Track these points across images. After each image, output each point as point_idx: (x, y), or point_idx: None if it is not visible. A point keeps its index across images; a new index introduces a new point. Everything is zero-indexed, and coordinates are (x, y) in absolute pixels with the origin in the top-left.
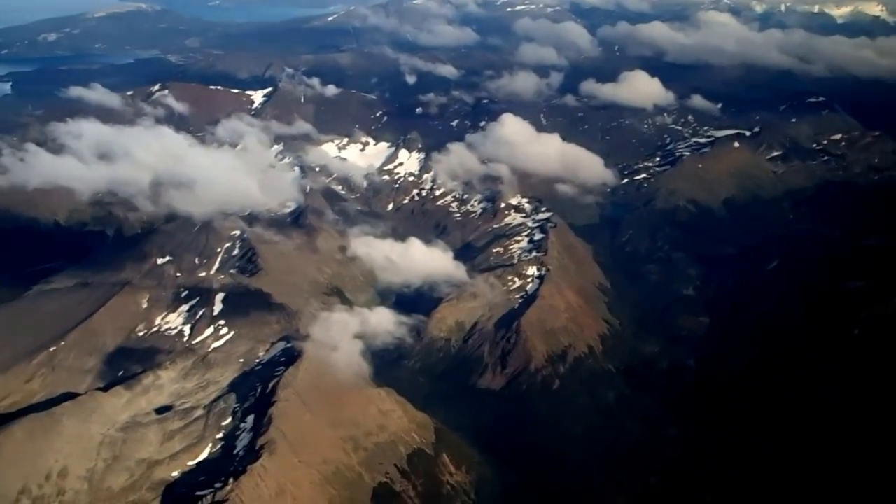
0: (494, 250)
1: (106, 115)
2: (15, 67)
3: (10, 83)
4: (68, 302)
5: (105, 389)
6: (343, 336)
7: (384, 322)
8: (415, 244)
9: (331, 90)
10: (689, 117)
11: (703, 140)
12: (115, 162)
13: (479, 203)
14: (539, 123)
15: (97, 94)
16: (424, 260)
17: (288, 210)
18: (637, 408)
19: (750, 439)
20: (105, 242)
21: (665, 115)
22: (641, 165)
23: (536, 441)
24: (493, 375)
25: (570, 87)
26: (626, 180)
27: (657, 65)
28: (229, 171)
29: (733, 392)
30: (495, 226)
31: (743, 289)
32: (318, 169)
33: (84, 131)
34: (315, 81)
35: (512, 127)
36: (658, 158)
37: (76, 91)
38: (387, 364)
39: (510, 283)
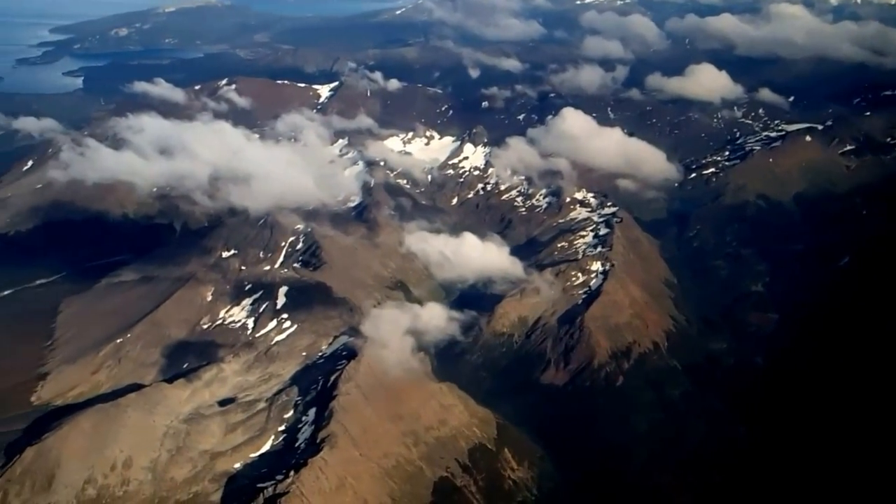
0: (559, 245)
1: (170, 110)
2: (87, 62)
3: (82, 78)
4: (135, 294)
5: (169, 381)
6: (394, 332)
7: (435, 318)
8: (469, 239)
9: (393, 84)
10: (760, 111)
11: (773, 134)
12: (174, 157)
13: (543, 197)
14: (606, 117)
15: (161, 89)
16: (479, 256)
17: (352, 204)
18: (702, 406)
19: (818, 440)
20: (172, 236)
21: (735, 109)
22: (710, 160)
23: (600, 438)
24: (555, 371)
25: (635, 81)
26: (693, 175)
27: (726, 58)
28: (286, 165)
29: (802, 391)
30: (560, 220)
31: (813, 286)
32: (382, 163)
33: (145, 126)
34: (378, 76)
35: (573, 121)
36: (727, 153)
37: (140, 86)
38: (449, 359)
39: (574, 279)
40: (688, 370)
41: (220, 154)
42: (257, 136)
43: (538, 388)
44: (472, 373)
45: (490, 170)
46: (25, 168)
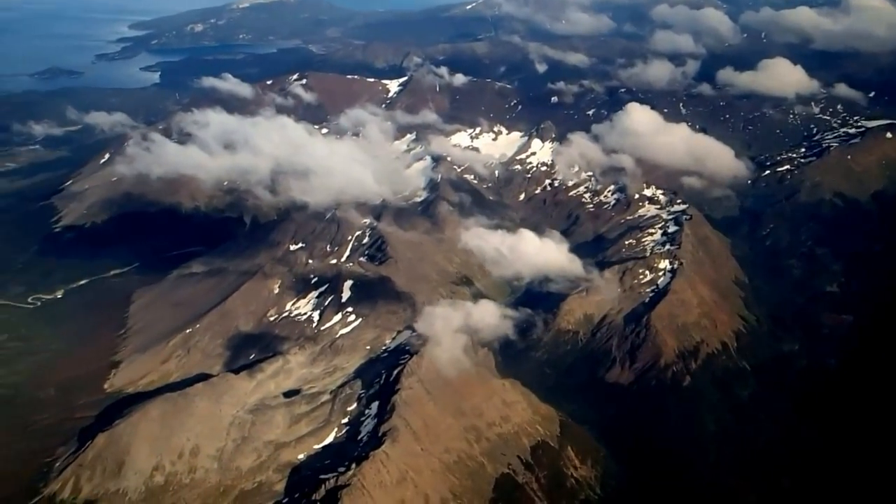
0: (626, 242)
1: (239, 105)
2: (163, 58)
3: (159, 73)
4: (204, 286)
5: (236, 372)
6: (446, 330)
7: (488, 316)
8: (526, 236)
9: (459, 79)
10: (838, 107)
11: (851, 131)
12: (238, 152)
13: (612, 194)
14: (677, 113)
15: (229, 84)
16: (536, 253)
17: (418, 199)
18: (772, 407)
19: (890, 445)
20: (242, 229)
21: (812, 104)
22: (785, 157)
23: (665, 438)
24: (621, 370)
25: (706, 76)
26: (767, 172)
27: (803, 52)
28: (347, 161)
29: (875, 395)
30: (628, 217)
31: (890, 287)
32: (448, 158)
33: (210, 121)
34: (444, 70)
35: (638, 116)
36: (803, 150)
37: (209, 81)
38: (513, 355)
39: (641, 277)
40: (757, 371)
41: (281, 149)
42: (320, 131)
43: (603, 386)
44: (537, 370)
45: (558, 166)
46: (102, 161)
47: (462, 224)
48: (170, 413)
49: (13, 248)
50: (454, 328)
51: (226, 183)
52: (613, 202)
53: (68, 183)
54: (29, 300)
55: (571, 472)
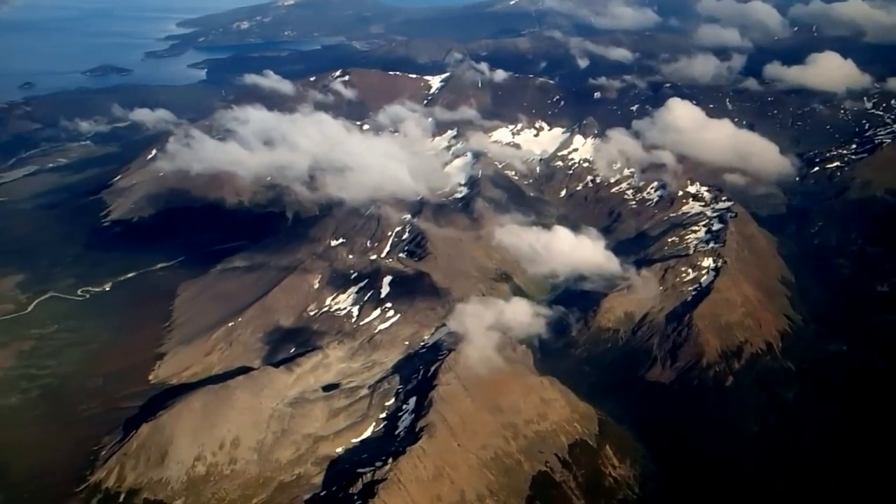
0: (669, 240)
1: (281, 102)
2: (210, 55)
3: (206, 70)
4: (247, 280)
5: (276, 366)
6: (477, 328)
7: (520, 314)
8: (561, 233)
9: (501, 75)
10: (892, 102)
11: None
12: (277, 148)
13: (655, 191)
14: (723, 108)
15: (270, 81)
16: (571, 250)
17: (458, 196)
18: (818, 410)
19: None
20: (284, 224)
21: (864, 99)
22: (834, 153)
23: (706, 438)
24: (661, 369)
25: (752, 71)
26: (816, 169)
27: (855, 46)
28: (384, 157)
29: None
30: (671, 215)
31: None
32: (489, 155)
33: (250, 118)
34: (484, 66)
35: (679, 112)
36: (854, 146)
37: (251, 78)
38: (552, 353)
39: (683, 275)
40: (803, 372)
41: (319, 145)
42: (357, 127)
43: (643, 385)
44: (576, 367)
45: (605, 161)
46: (149, 157)
47: (498, 221)
48: (211, 405)
49: (64, 242)
50: (486, 326)
51: (269, 178)
52: (656, 199)
53: (117, 178)
54: (78, 292)
55: (610, 472)
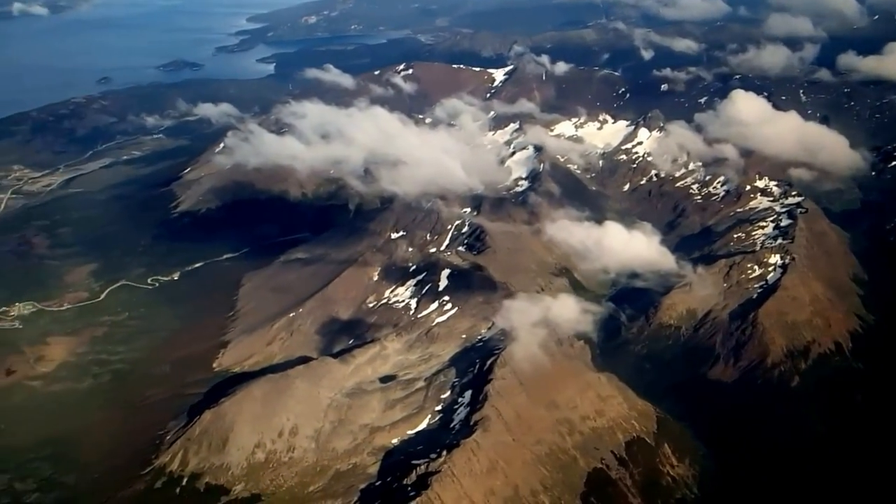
0: (735, 236)
1: (343, 97)
2: (278, 49)
3: (274, 64)
4: (308, 271)
5: (335, 356)
6: (522, 325)
7: (566, 311)
8: (612, 229)
9: (565, 67)
10: None
11: None
12: (335, 142)
13: (721, 185)
14: (797, 100)
15: (331, 75)
16: (624, 246)
17: (519, 189)
18: (889, 412)
19: None
20: (346, 216)
21: None
22: None
23: (770, 439)
24: (724, 367)
25: (826, 61)
26: (894, 163)
27: None
28: (438, 151)
29: None
30: (738, 210)
31: None
32: (551, 148)
33: (308, 112)
34: (548, 59)
35: (744, 105)
36: None
37: (313, 73)
38: (612, 349)
39: (749, 272)
40: (874, 374)
41: (374, 139)
42: (419, 120)
43: (704, 383)
44: (635, 364)
45: (665, 155)
46: (217, 150)
47: (551, 216)
48: (271, 393)
49: (135, 232)
50: (532, 323)
51: (332, 171)
52: (723, 194)
53: (186, 171)
54: (148, 281)
55: (668, 470)
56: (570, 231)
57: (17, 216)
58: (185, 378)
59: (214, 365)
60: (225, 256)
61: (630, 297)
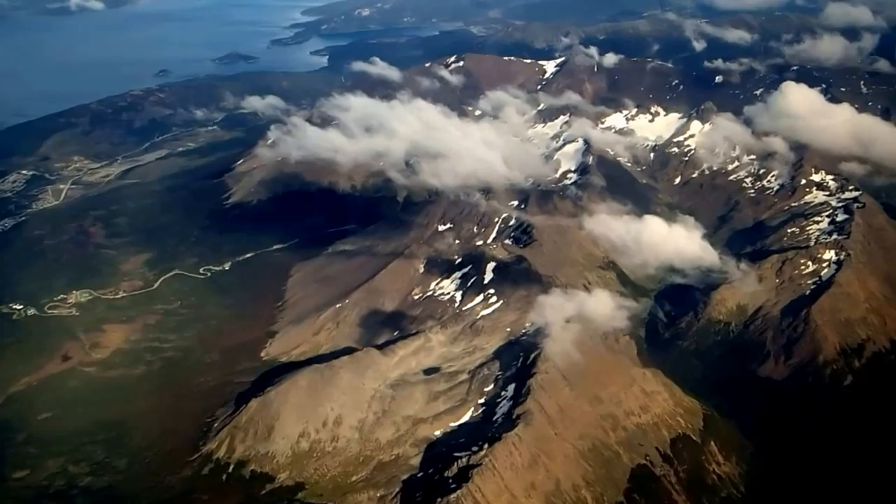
0: (788, 230)
1: (392, 89)
2: (332, 42)
3: (327, 57)
4: (355, 263)
5: (379, 347)
6: (555, 321)
7: (601, 307)
8: (651, 223)
9: (617, 59)
10: None
11: None
12: (377, 135)
13: (775, 179)
14: (857, 92)
15: (377, 68)
16: (663, 241)
17: (568, 182)
18: None
19: None
20: (394, 208)
21: None
22: None
23: (820, 438)
24: (775, 364)
25: (886, 52)
26: None
27: None
28: (477, 144)
29: None
30: (792, 204)
31: None
32: (601, 141)
33: (352, 105)
34: (599, 50)
35: (794, 97)
36: None
37: (358, 65)
38: (659, 344)
39: (802, 268)
40: None
41: (416, 132)
42: (469, 113)
43: (754, 380)
44: (683, 360)
45: (717, 148)
46: (269, 142)
47: (599, 209)
48: (317, 383)
49: (189, 222)
50: (566, 318)
51: (381, 164)
52: (777, 187)
53: (238, 162)
54: (200, 270)
55: (714, 468)
56: (608, 225)
57: (76, 206)
58: (234, 366)
59: (262, 354)
60: (275, 247)
61: (678, 293)
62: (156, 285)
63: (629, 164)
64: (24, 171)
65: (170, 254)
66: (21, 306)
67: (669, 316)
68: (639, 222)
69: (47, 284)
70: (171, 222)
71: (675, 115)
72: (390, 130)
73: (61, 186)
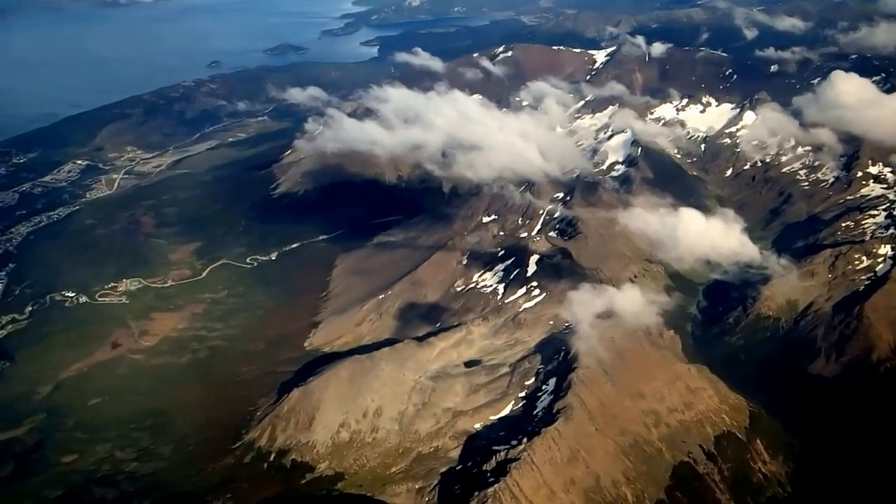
0: (843, 224)
1: (438, 80)
2: (382, 32)
3: (377, 47)
4: (399, 254)
5: (420, 339)
6: (584, 317)
7: (630, 303)
8: (687, 216)
9: (667, 48)
10: None
11: None
12: (414, 126)
13: (831, 171)
14: None
15: (420, 59)
16: (699, 235)
17: (615, 174)
18: None
19: None
20: (440, 199)
21: None
22: None
23: (872, 438)
24: (825, 362)
25: None
26: None
27: None
28: (513, 136)
29: None
30: (848, 197)
31: None
32: (650, 132)
33: (390, 96)
34: (640, 40)
35: (845, 87)
36: None
37: (401, 57)
38: (706, 339)
39: (856, 262)
40: None
41: (454, 124)
42: (502, 105)
43: (803, 378)
44: (730, 356)
45: (770, 139)
46: (317, 132)
47: (630, 203)
48: (358, 374)
49: (236, 212)
50: (594, 314)
51: (418, 155)
52: (832, 180)
53: (287, 153)
54: (247, 260)
55: (759, 467)
56: (644, 219)
57: (127, 196)
58: (278, 356)
59: (305, 344)
60: (320, 237)
61: (726, 288)
62: (203, 274)
63: (679, 156)
64: (78, 161)
65: (217, 243)
66: (73, 294)
67: (717, 311)
68: (674, 215)
69: (99, 273)
70: (220, 212)
71: (727, 106)
72: (427, 122)
73: (114, 176)
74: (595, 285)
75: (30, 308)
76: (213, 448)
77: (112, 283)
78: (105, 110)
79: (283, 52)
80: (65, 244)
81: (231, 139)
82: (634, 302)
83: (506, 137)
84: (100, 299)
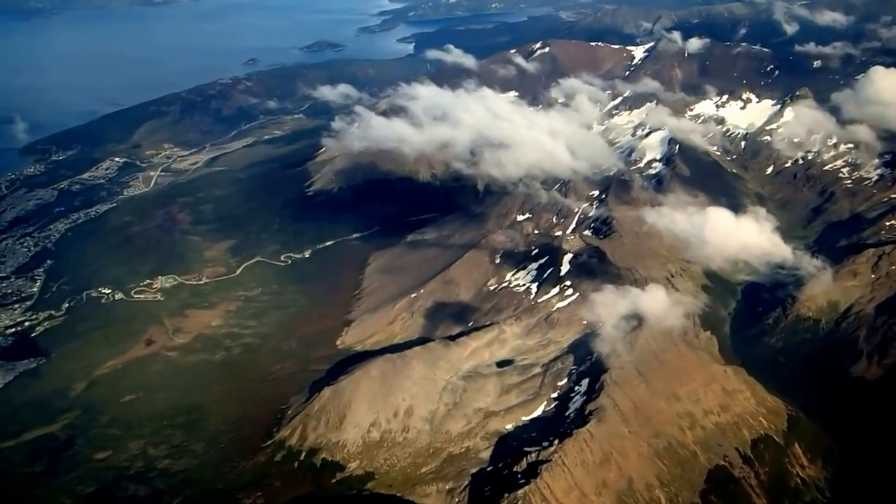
0: (888, 223)
1: (469, 77)
2: (419, 29)
3: (413, 44)
4: (432, 252)
5: (452, 338)
6: (608, 318)
7: (653, 304)
8: (714, 215)
9: (706, 44)
10: None
11: None
12: (443, 124)
13: (875, 169)
14: None
15: (452, 56)
16: (727, 235)
17: (652, 172)
18: None
19: None
20: (474, 197)
21: None
22: None
23: None
24: (868, 364)
25: None
26: None
27: None
28: (542, 133)
29: None
30: (892, 196)
31: None
32: (687, 129)
33: (420, 94)
34: (676, 35)
35: (884, 83)
36: None
37: (434, 54)
38: (745, 340)
39: None
40: None
41: (483, 122)
42: (528, 102)
43: (844, 380)
44: (769, 358)
45: (813, 136)
46: (345, 131)
47: (694, 198)
48: (389, 373)
49: (271, 210)
50: (619, 315)
51: (446, 153)
52: (876, 178)
53: (321, 150)
54: (281, 258)
55: (797, 471)
56: (671, 217)
57: (164, 193)
58: (310, 354)
59: (338, 342)
60: (354, 235)
61: (763, 289)
62: (238, 272)
63: (718, 154)
64: (116, 159)
65: (252, 241)
66: (109, 291)
67: (756, 312)
68: (702, 214)
69: (134, 270)
70: (255, 209)
71: (768, 102)
72: (455, 120)
73: (151, 173)
74: (619, 287)
75: (66, 305)
76: (244, 446)
77: (147, 280)
78: (143, 108)
79: (320, 50)
80: (101, 241)
81: (267, 137)
82: (659, 303)
83: (534, 135)
84: (135, 296)
